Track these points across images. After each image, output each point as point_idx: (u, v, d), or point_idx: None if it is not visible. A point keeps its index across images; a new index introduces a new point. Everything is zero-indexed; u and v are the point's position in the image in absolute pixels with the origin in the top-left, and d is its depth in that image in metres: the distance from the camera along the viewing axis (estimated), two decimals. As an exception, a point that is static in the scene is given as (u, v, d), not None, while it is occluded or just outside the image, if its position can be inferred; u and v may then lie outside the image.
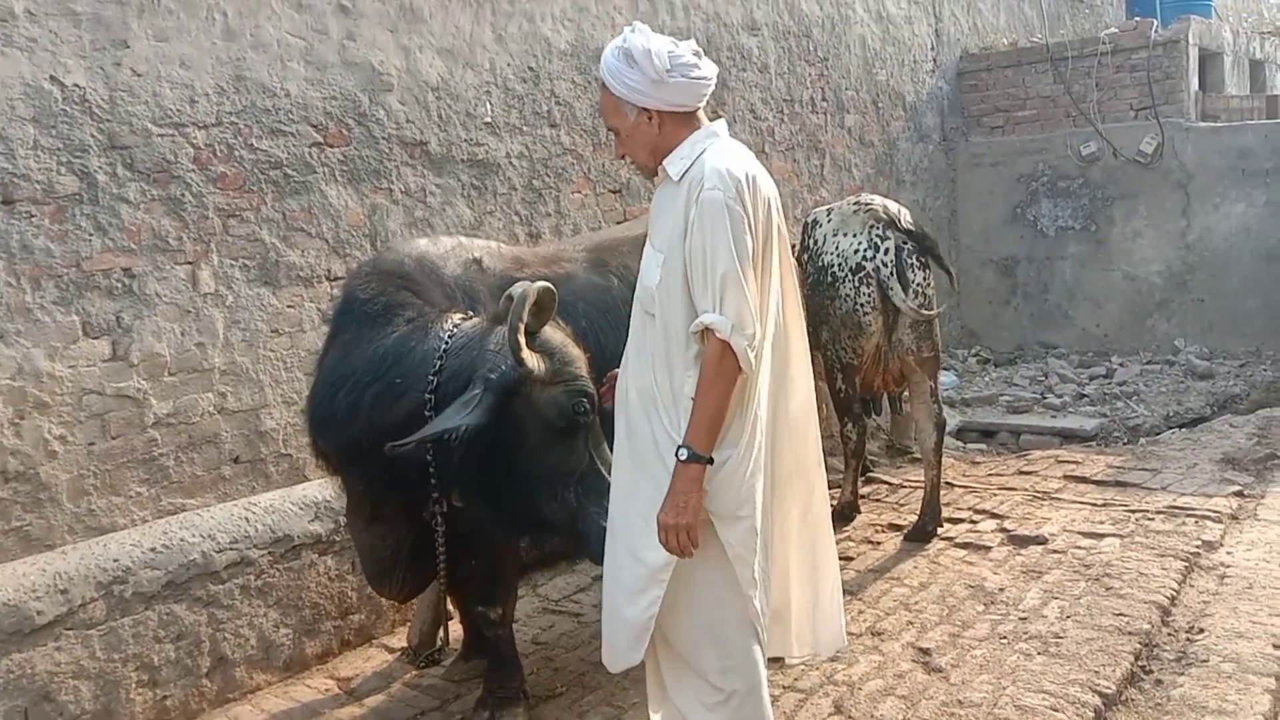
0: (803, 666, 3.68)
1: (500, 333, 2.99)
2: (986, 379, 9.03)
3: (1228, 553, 4.67)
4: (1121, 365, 8.96)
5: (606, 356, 3.22)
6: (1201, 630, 3.92)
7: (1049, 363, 9.27)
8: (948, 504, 5.36)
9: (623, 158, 2.83)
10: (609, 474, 2.94)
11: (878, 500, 5.78)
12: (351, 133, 5.06)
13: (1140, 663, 3.71)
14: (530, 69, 5.91)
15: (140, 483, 4.35)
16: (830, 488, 4.61)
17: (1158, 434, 7.17)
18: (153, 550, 3.56)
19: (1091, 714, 3.36)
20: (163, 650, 3.53)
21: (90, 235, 4.18)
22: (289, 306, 4.85)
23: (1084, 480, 5.89)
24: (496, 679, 3.52)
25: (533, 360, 2.91)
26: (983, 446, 7.38)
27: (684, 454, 2.54)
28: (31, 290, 4.03)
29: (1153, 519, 5.11)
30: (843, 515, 5.34)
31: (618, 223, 6.19)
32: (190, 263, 4.50)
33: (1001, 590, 4.37)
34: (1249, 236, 8.85)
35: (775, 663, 3.14)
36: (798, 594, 2.92)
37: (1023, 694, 3.48)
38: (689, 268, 2.57)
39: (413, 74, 5.31)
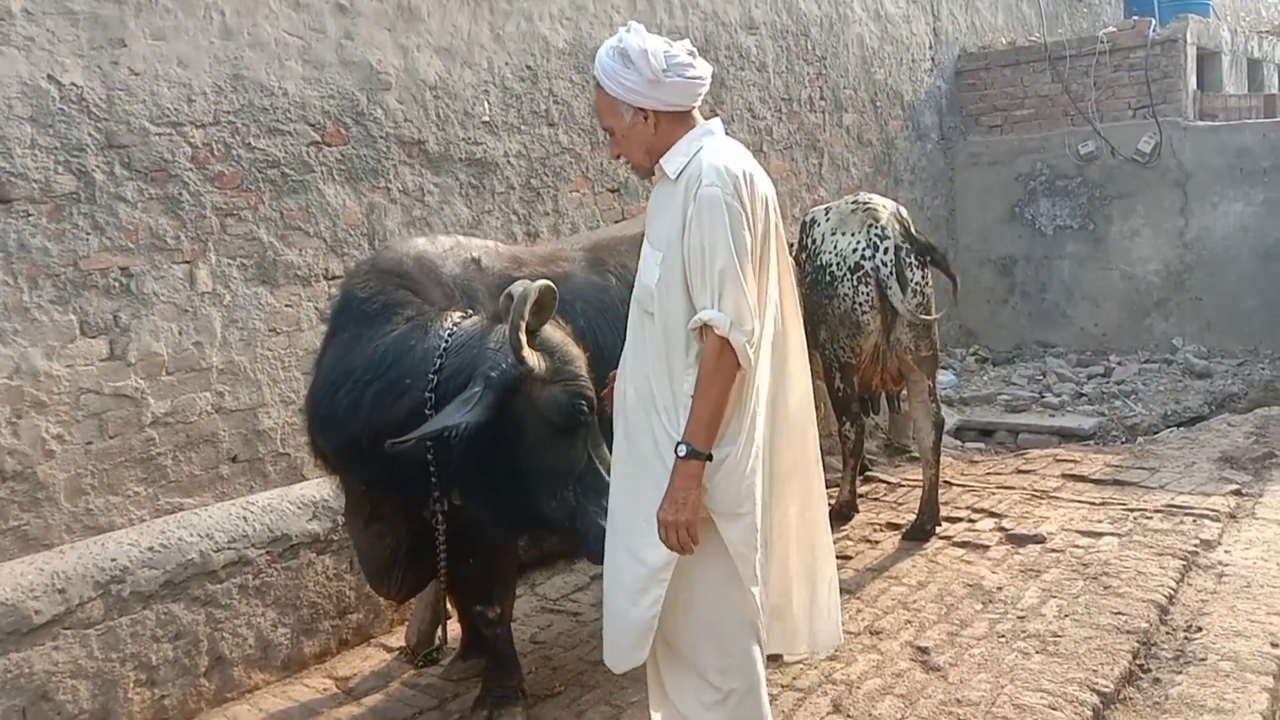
0: (801, 665, 3.69)
1: (501, 331, 2.99)
2: (985, 378, 9.04)
3: (1226, 551, 4.67)
4: (1119, 364, 8.97)
5: (605, 356, 3.22)
6: (1199, 629, 3.92)
7: (1047, 362, 9.28)
8: (946, 503, 5.36)
9: (618, 158, 2.83)
10: (608, 474, 2.95)
11: (876, 499, 5.78)
12: (349, 132, 5.05)
13: (1138, 661, 3.71)
14: (528, 68, 5.91)
15: (138, 482, 4.35)
16: (828, 487, 4.61)
17: (1156, 433, 7.18)
18: (150, 550, 3.55)
19: (1090, 712, 3.36)
20: (161, 650, 3.53)
21: (88, 234, 4.18)
22: (287, 305, 4.85)
23: (1082, 479, 5.89)
24: (495, 678, 3.52)
25: (533, 358, 2.91)
26: (981, 445, 7.38)
27: (683, 450, 2.54)
28: (29, 289, 4.02)
29: (1151, 518, 5.11)
30: (841, 514, 5.34)
31: (616, 222, 6.19)
32: (188, 262, 4.50)
33: (1000, 589, 4.37)
34: (1247, 235, 8.86)
35: (773, 661, 3.15)
36: (796, 591, 2.92)
37: (1021, 692, 3.48)
38: (687, 265, 2.57)
39: (410, 73, 5.30)
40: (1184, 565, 4.50)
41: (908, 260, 4.93)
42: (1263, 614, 3.99)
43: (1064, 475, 5.99)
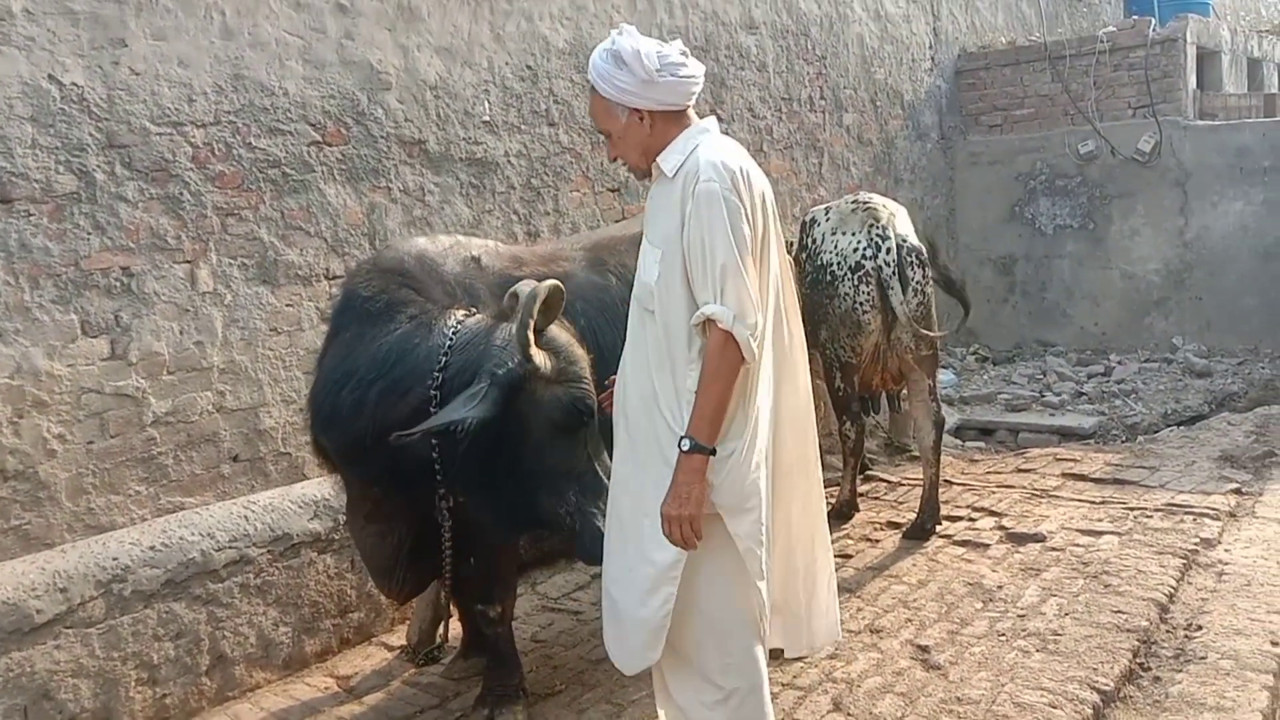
0: (801, 663, 3.69)
1: (506, 329, 3.00)
2: (985, 377, 9.04)
3: (1226, 550, 4.67)
4: (1120, 363, 8.98)
5: (605, 355, 3.23)
6: (1200, 627, 3.92)
7: (1047, 361, 9.28)
8: (946, 502, 5.36)
9: (615, 160, 2.83)
10: (607, 477, 2.95)
11: (876, 498, 5.79)
12: (350, 131, 5.06)
13: (1139, 660, 3.71)
14: (528, 68, 5.92)
15: (139, 481, 4.36)
16: (828, 486, 4.63)
17: (1156, 432, 7.18)
18: (152, 549, 3.56)
19: (1090, 711, 3.36)
20: (162, 648, 3.53)
21: (89, 234, 4.18)
22: (287, 305, 4.86)
23: (1082, 478, 5.89)
24: (496, 676, 3.52)
25: (540, 357, 2.92)
26: (981, 444, 7.38)
27: (686, 444, 2.55)
28: (30, 289, 4.03)
29: (1151, 516, 5.11)
30: (841, 513, 5.34)
31: (616, 221, 6.19)
32: (189, 261, 4.50)
33: (1000, 588, 4.38)
34: (1247, 234, 8.86)
35: (773, 658, 3.14)
36: (796, 587, 2.92)
37: (1021, 691, 3.49)
38: (688, 261, 2.58)
39: (411, 73, 5.31)
40: (1184, 564, 4.50)
41: (909, 259, 4.93)
42: (1263, 612, 3.99)
43: (1064, 474, 5.99)
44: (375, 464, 3.14)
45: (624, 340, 2.86)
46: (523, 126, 5.89)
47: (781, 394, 2.81)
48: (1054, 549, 4.78)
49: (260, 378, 4.76)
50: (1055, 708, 3.37)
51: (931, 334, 4.98)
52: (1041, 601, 4.20)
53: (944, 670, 3.67)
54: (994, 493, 5.71)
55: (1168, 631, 3.94)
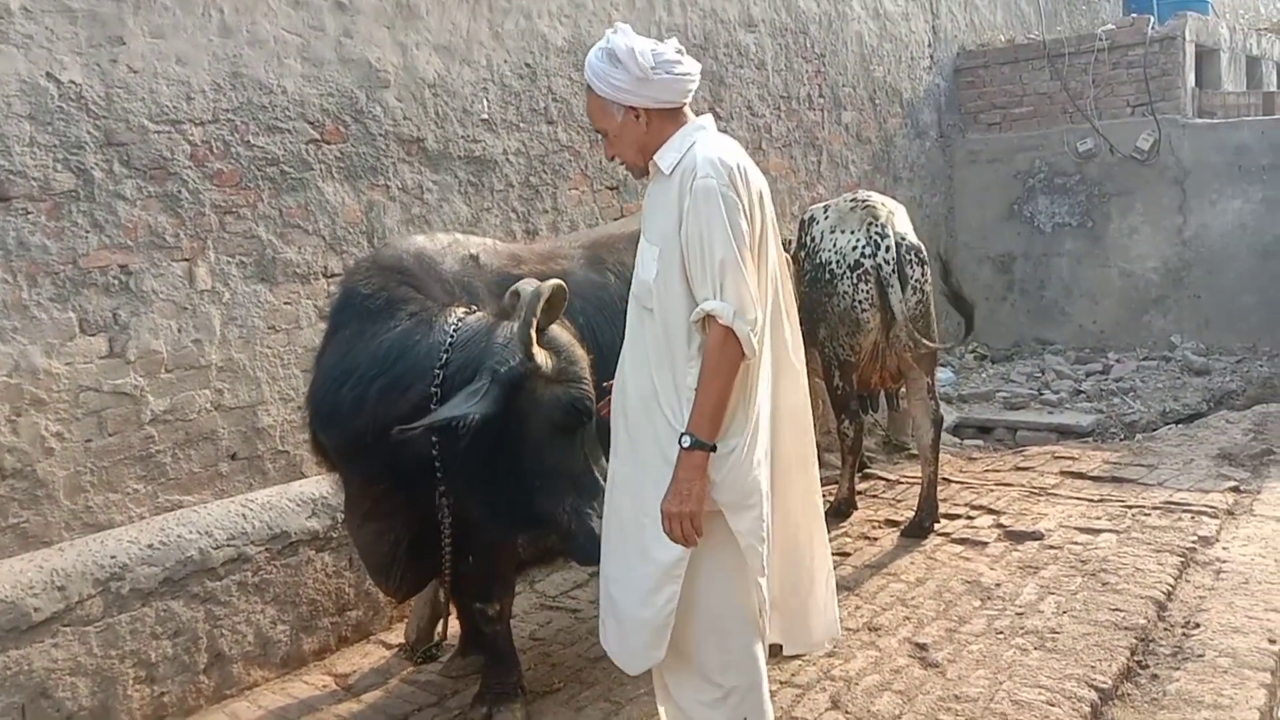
0: (799, 662, 3.70)
1: (507, 327, 3.00)
2: (983, 375, 9.05)
3: (1224, 548, 4.67)
4: (1118, 361, 8.98)
5: (604, 354, 3.23)
6: (1197, 625, 3.93)
7: (1046, 359, 9.29)
8: (944, 500, 5.36)
9: (612, 159, 2.84)
10: (603, 479, 2.96)
11: (875, 496, 5.79)
12: (348, 129, 5.06)
13: (1136, 658, 3.72)
14: (527, 65, 5.91)
15: (137, 480, 4.36)
16: (827, 484, 4.63)
17: (1154, 430, 7.19)
18: (150, 547, 3.56)
19: (1087, 709, 3.37)
20: (160, 647, 3.53)
21: (87, 232, 4.18)
22: (286, 303, 4.85)
23: (1080, 476, 5.90)
24: (494, 675, 3.52)
25: (541, 356, 2.93)
26: (979, 443, 7.39)
27: (687, 441, 2.55)
28: (28, 287, 4.03)
29: (1149, 514, 5.12)
30: (839, 511, 5.35)
31: (614, 219, 6.19)
32: (187, 259, 4.50)
33: (998, 586, 4.38)
34: (1245, 233, 8.87)
35: (771, 656, 3.15)
36: (795, 584, 2.93)
37: (1019, 689, 3.49)
38: (686, 257, 2.58)
39: (409, 71, 5.30)
40: (1182, 562, 4.50)
41: (908, 258, 4.93)
42: (1260, 610, 4.00)
43: (1062, 472, 5.99)
44: (375, 461, 3.14)
45: (623, 338, 2.86)
46: (521, 124, 5.88)
47: (780, 391, 2.82)
48: (1052, 547, 4.78)
49: (258, 376, 4.76)
50: (1053, 705, 3.37)
51: (932, 344, 5.00)
52: (1039, 599, 4.21)
53: (942, 668, 3.67)
54: (992, 491, 5.71)
55: (1165, 629, 3.95)
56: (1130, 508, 5.23)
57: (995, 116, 10.02)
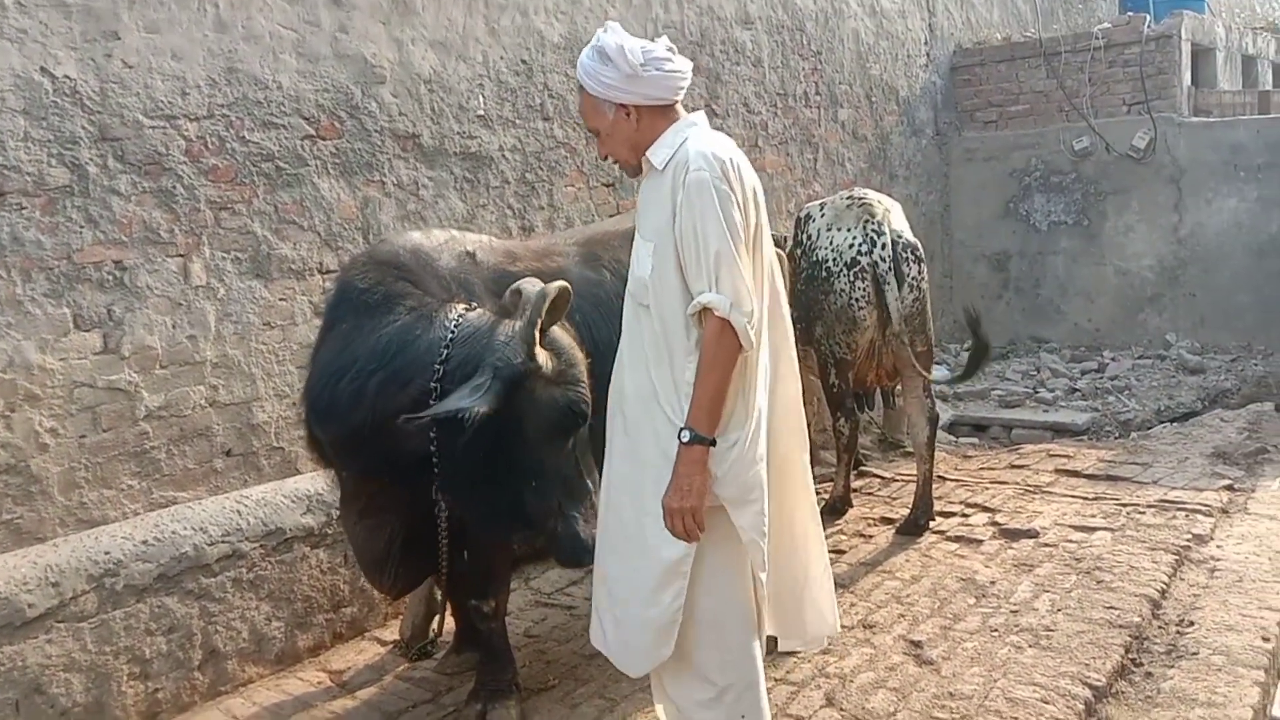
0: (794, 659, 3.70)
1: (509, 326, 2.99)
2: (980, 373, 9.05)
3: (1218, 546, 4.69)
4: (1113, 360, 8.99)
5: (600, 350, 3.23)
6: (1191, 623, 3.94)
7: (1041, 357, 9.30)
8: (939, 497, 5.37)
9: (605, 158, 2.84)
10: (592, 483, 2.96)
11: (870, 494, 5.80)
12: (344, 125, 5.05)
13: (1130, 655, 3.72)
14: (523, 62, 5.90)
15: (132, 475, 4.35)
16: (822, 481, 4.63)
17: (1149, 428, 7.20)
18: (144, 543, 3.55)
19: (1082, 706, 3.37)
20: (154, 643, 3.53)
21: (81, 227, 4.17)
22: (281, 299, 4.84)
23: (1075, 474, 5.91)
24: (489, 672, 3.52)
25: (542, 357, 2.93)
26: (975, 440, 7.40)
27: (686, 436, 2.54)
28: (22, 282, 4.01)
29: (1143, 513, 5.12)
30: (835, 509, 5.35)
31: (610, 216, 6.19)
32: (182, 255, 4.49)
33: (993, 583, 4.39)
34: (1240, 231, 8.88)
35: (768, 650, 3.15)
36: (792, 580, 2.93)
37: (1013, 686, 3.49)
38: (681, 251, 2.58)
39: (405, 66, 5.29)
40: (1176, 560, 4.51)
41: (905, 255, 4.93)
42: (1254, 608, 4.01)
43: (1057, 470, 6.00)
44: (372, 456, 3.13)
45: (619, 336, 2.85)
46: (517, 121, 5.88)
47: (777, 387, 2.82)
48: (1047, 545, 4.78)
49: (253, 372, 4.75)
50: (1047, 703, 3.38)
51: (929, 376, 5.09)
52: (1034, 597, 4.21)
53: (937, 666, 3.67)
54: (987, 489, 5.72)
55: (1160, 627, 3.95)
56: (1125, 506, 5.24)
57: (991, 115, 10.02)
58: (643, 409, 2.69)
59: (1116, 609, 4.03)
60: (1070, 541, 4.80)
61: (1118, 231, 9.37)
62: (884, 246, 4.90)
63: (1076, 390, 8.29)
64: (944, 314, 9.74)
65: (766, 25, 7.76)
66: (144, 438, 4.38)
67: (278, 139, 4.78)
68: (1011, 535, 4.93)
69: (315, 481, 4.03)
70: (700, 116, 2.75)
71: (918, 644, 3.84)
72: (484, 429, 2.88)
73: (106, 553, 3.45)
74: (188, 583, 3.62)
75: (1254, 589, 4.19)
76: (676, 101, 2.71)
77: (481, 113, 5.67)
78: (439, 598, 3.73)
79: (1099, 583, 4.30)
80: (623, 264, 3.30)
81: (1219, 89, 10.20)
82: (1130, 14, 10.14)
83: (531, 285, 3.02)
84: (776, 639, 3.06)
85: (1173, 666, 3.63)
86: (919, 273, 4.97)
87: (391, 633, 4.17)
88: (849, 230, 4.98)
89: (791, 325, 2.98)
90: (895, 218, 5.05)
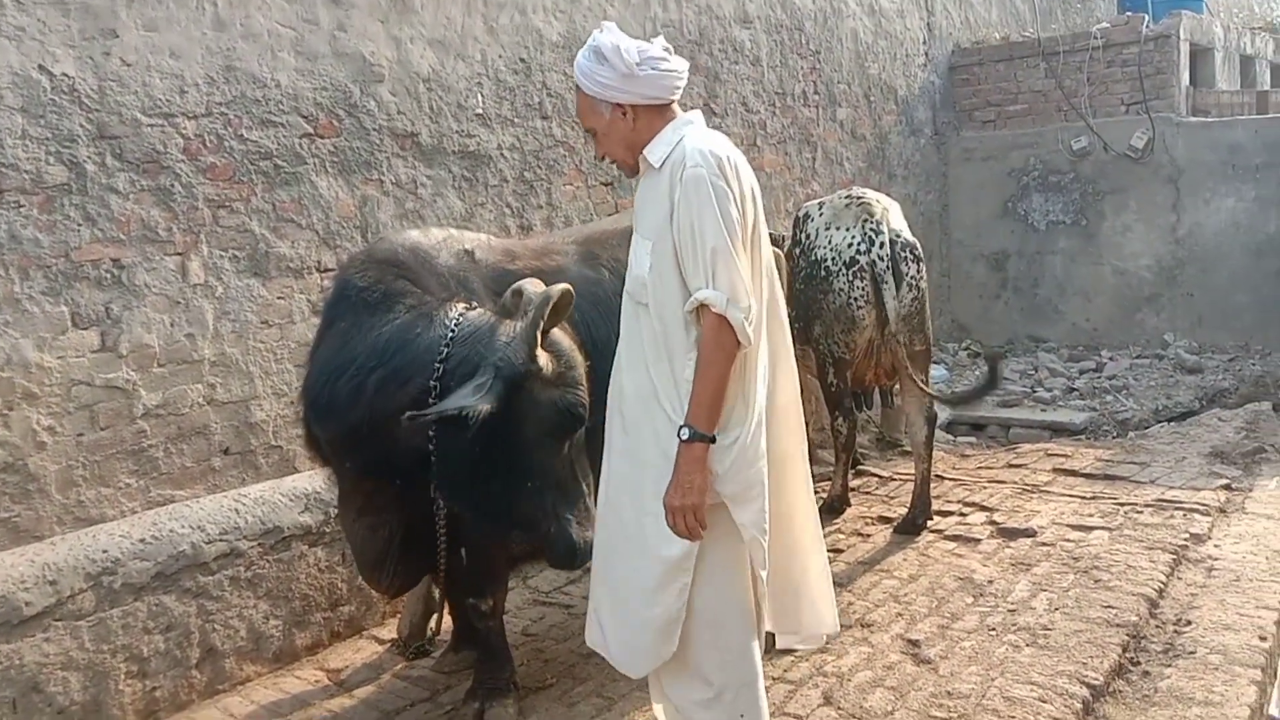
0: (792, 658, 3.70)
1: (510, 326, 2.99)
2: (977, 373, 9.05)
3: (1215, 546, 4.69)
4: (1111, 359, 9.00)
5: (599, 349, 3.23)
6: (1189, 622, 3.94)
7: (1039, 357, 9.30)
8: (937, 497, 5.37)
9: (602, 158, 2.84)
10: (586, 487, 2.97)
11: (868, 493, 5.80)
12: (342, 124, 5.04)
13: (1128, 654, 3.73)
14: (522, 60, 5.90)
15: (129, 474, 4.34)
16: (820, 480, 4.63)
17: (1146, 428, 7.20)
18: (142, 541, 3.55)
19: (1079, 705, 3.38)
20: (152, 641, 3.52)
21: (79, 225, 4.16)
22: (279, 298, 4.84)
23: (1073, 473, 5.91)
24: (487, 670, 3.52)
25: (543, 359, 2.93)
26: (972, 440, 7.40)
27: (686, 433, 2.54)
28: (20, 280, 4.01)
29: (1141, 512, 5.13)
30: (833, 508, 5.35)
31: (609, 215, 6.19)
32: (180, 253, 4.49)
33: (990, 582, 4.39)
34: (1238, 231, 8.89)
35: (765, 649, 3.15)
36: (788, 575, 2.93)
37: (1011, 685, 3.50)
38: (678, 247, 2.58)
39: (404, 65, 5.29)
40: (1174, 559, 4.51)
41: (903, 255, 4.93)
42: (1251, 608, 4.01)
43: (1055, 470, 6.01)
44: (370, 454, 3.13)
45: (618, 335, 2.85)
46: (516, 119, 5.87)
47: (776, 385, 2.82)
48: (1044, 544, 4.79)
49: (251, 370, 4.75)
50: (1045, 702, 3.38)
51: (929, 392, 5.12)
52: (1032, 596, 4.21)
53: (934, 664, 3.68)
54: (985, 488, 5.72)
55: (1157, 626, 3.96)
56: (1122, 505, 5.25)
57: (990, 114, 10.02)
58: (642, 408, 2.69)
59: (1114, 608, 4.03)
60: (1068, 541, 4.81)
61: (1116, 231, 9.37)
62: (882, 245, 4.90)
63: (1074, 390, 8.29)
64: (942, 313, 9.75)
65: (765, 24, 7.76)
66: (142, 436, 4.38)
67: (276, 137, 4.78)
68: (1009, 534, 4.94)
69: (313, 480, 4.03)
70: (696, 115, 2.76)
71: (915, 643, 3.85)
72: (482, 429, 2.88)
73: (104, 551, 3.45)
74: (185, 581, 3.62)
75: (1251, 588, 4.19)
76: (673, 101, 2.71)
77: (480, 111, 5.67)
78: (437, 596, 3.73)
79: (1096, 582, 4.30)
80: (621, 263, 3.29)
81: (1217, 89, 10.21)
82: (1129, 14, 10.15)
83: (534, 286, 3.03)
84: (774, 637, 3.06)
85: (1170, 665, 3.63)
86: (918, 272, 4.97)
87: (389, 631, 4.17)
88: (848, 229, 4.98)
89: (789, 324, 2.98)
90: (894, 217, 5.05)
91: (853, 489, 5.65)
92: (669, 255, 2.59)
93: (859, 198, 5.09)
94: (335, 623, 4.11)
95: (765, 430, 2.74)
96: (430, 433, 2.97)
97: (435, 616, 3.76)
